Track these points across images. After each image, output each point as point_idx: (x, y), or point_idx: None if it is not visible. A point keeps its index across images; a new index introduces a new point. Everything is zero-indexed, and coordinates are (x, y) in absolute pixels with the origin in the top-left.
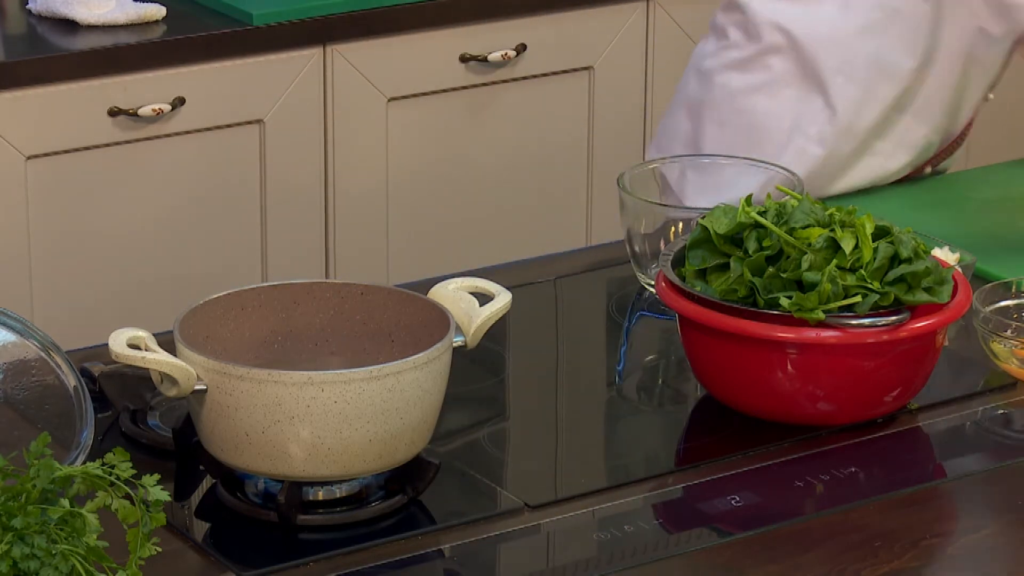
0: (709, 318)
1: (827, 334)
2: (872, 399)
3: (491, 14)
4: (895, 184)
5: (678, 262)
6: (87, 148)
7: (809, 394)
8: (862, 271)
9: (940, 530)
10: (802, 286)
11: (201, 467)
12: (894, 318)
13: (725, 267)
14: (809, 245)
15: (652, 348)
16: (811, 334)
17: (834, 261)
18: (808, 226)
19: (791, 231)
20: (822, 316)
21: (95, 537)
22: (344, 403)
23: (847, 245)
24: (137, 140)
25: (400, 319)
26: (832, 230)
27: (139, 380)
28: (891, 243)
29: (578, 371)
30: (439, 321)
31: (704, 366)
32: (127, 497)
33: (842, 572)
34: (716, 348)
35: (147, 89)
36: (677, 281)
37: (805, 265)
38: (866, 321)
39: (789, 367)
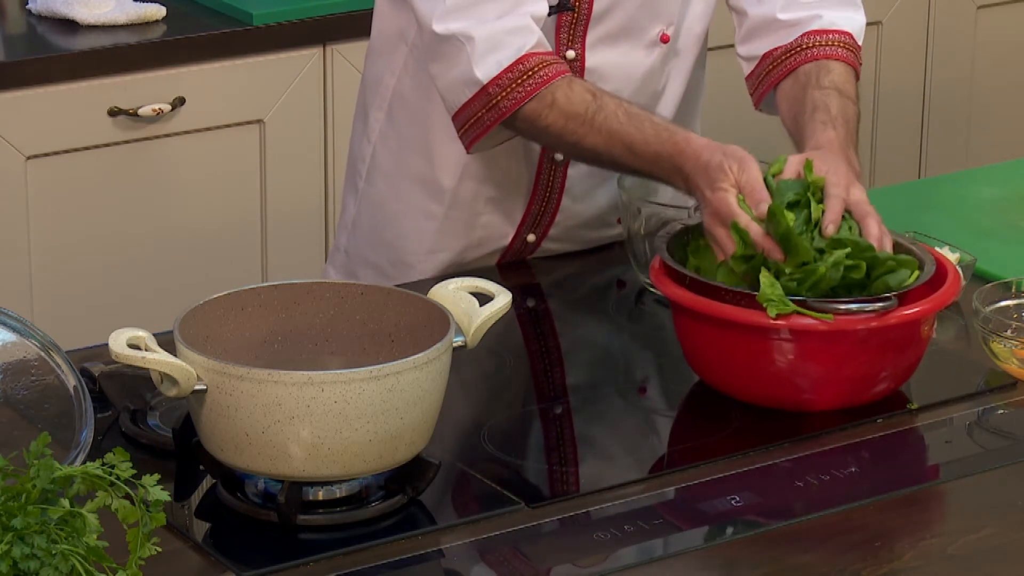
0: (699, 304)
1: (815, 321)
2: (860, 384)
3: None
4: (895, 184)
5: (675, 246)
6: (87, 148)
7: (797, 379)
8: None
9: (940, 530)
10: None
11: (201, 467)
12: (880, 304)
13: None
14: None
15: (652, 348)
16: (799, 320)
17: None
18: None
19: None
20: (789, 307)
21: (95, 537)
22: (344, 403)
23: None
24: (137, 140)
25: (400, 319)
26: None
27: (139, 380)
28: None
29: (578, 371)
30: (439, 321)
31: (694, 350)
32: (127, 497)
33: (842, 572)
34: (706, 333)
35: (147, 89)
36: (673, 264)
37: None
38: (854, 307)
39: (777, 352)
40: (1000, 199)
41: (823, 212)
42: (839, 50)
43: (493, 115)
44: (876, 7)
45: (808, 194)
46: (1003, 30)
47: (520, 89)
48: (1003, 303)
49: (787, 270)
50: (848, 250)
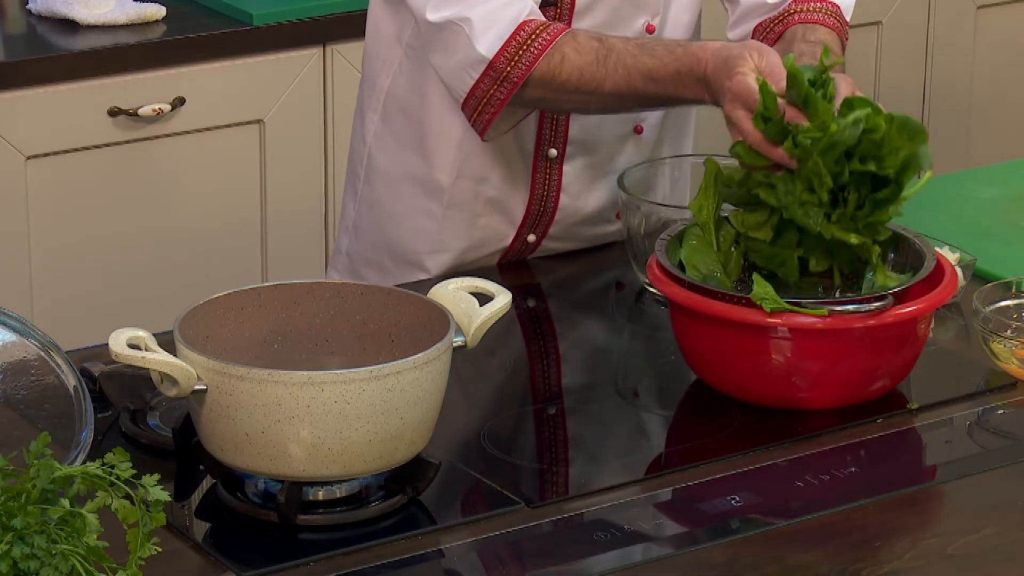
0: (696, 303)
1: (811, 320)
2: (857, 383)
3: None
4: None
5: (673, 247)
6: (87, 148)
7: (794, 377)
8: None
9: (940, 530)
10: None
11: (201, 467)
12: (877, 304)
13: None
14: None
15: (652, 348)
16: (796, 318)
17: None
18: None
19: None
20: (782, 305)
21: (95, 537)
22: (344, 403)
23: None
24: (137, 140)
25: (400, 319)
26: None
27: (139, 380)
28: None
29: (577, 371)
30: (439, 321)
31: (692, 349)
32: (127, 497)
33: (842, 572)
34: (703, 332)
35: (147, 89)
36: (669, 266)
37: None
38: (850, 307)
39: (774, 351)
40: (1000, 199)
41: (833, 99)
42: (825, 16)
43: (505, 89)
44: (876, 7)
45: (825, 76)
46: (1003, 30)
47: (527, 55)
48: (1003, 303)
49: (805, 127)
50: (868, 110)
